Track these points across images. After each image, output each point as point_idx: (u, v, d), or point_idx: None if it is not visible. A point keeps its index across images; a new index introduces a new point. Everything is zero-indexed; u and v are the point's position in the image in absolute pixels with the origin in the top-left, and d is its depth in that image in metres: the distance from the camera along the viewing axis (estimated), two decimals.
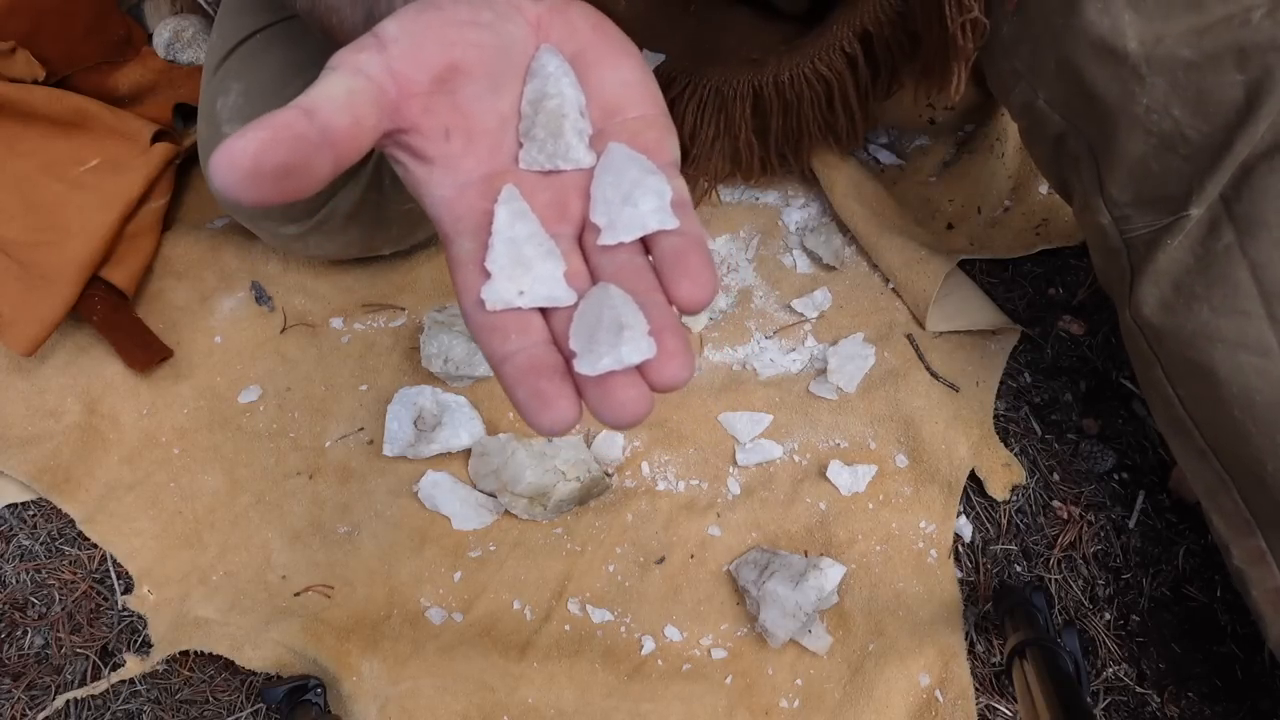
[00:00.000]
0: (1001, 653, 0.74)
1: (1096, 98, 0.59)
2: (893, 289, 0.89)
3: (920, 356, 0.86)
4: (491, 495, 0.82)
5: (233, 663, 0.76)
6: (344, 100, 0.31)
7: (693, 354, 0.32)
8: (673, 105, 0.84)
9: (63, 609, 0.81)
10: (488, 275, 0.34)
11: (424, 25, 0.34)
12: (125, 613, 0.81)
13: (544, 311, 0.35)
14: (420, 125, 0.34)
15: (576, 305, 0.34)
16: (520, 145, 0.37)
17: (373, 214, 0.83)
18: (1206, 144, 0.56)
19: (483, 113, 0.36)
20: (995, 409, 0.84)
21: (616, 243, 0.35)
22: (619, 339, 0.31)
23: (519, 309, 0.34)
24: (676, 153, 0.38)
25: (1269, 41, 0.52)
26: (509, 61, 0.36)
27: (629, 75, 0.38)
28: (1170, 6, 0.55)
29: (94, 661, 0.79)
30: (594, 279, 0.36)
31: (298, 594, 0.79)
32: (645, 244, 0.36)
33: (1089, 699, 0.71)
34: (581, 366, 0.32)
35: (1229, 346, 0.57)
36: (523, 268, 0.34)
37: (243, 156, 0.28)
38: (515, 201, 0.35)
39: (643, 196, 0.35)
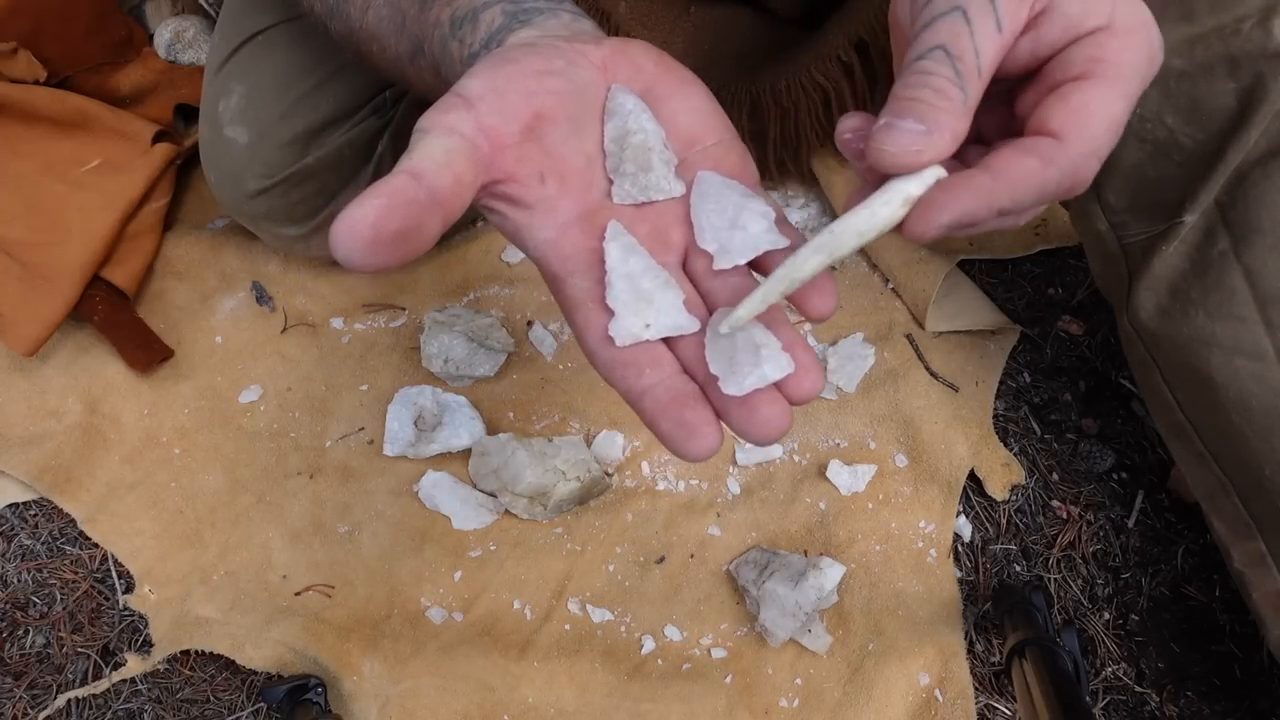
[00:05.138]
0: (1001, 652, 0.74)
1: None
2: (892, 289, 0.90)
3: (920, 356, 0.86)
4: (491, 495, 0.82)
5: (233, 662, 0.77)
6: (444, 160, 0.32)
7: (821, 365, 0.34)
8: None
9: (64, 608, 0.81)
10: (610, 313, 0.35)
11: (505, 79, 0.35)
12: (126, 612, 0.81)
13: (667, 341, 0.36)
14: (516, 174, 0.35)
15: (701, 332, 0.35)
16: (610, 182, 0.38)
17: None
18: (1200, 151, 0.56)
19: (571, 154, 0.37)
20: (995, 409, 0.84)
21: (731, 266, 0.36)
22: (759, 357, 0.33)
23: (647, 342, 0.35)
24: (756, 173, 0.39)
25: (1260, 50, 0.52)
26: (586, 104, 0.38)
27: (699, 104, 0.39)
28: (1162, 17, 0.55)
29: (95, 661, 0.79)
30: (708, 304, 0.37)
31: (298, 593, 0.79)
32: (753, 266, 0.37)
33: (1088, 698, 0.72)
34: (728, 388, 0.33)
35: (1225, 352, 0.58)
36: (644, 301, 0.35)
37: (363, 225, 0.29)
38: (623, 237, 0.36)
39: (750, 220, 0.36)
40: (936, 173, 0.33)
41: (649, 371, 0.34)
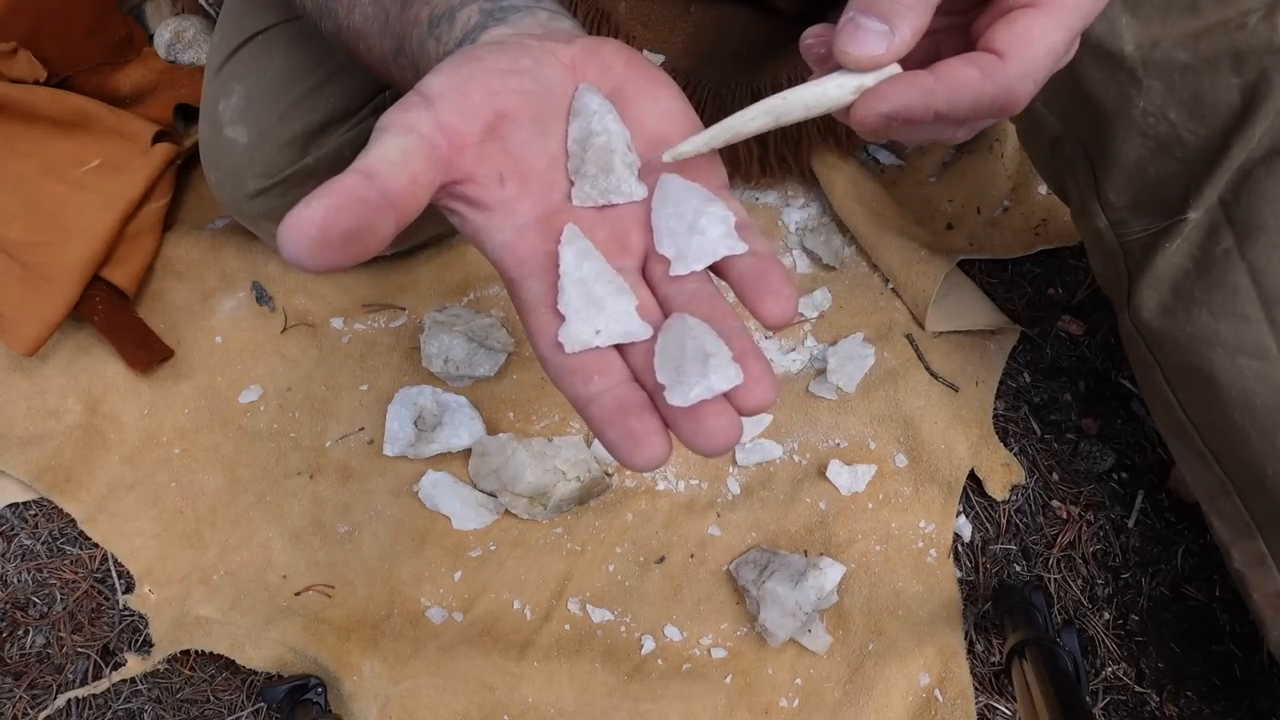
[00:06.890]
0: (1001, 652, 0.74)
1: (1093, 100, 0.60)
2: (892, 289, 0.90)
3: (920, 356, 0.86)
4: (491, 495, 0.82)
5: (233, 662, 0.77)
6: (400, 160, 0.31)
7: (775, 376, 0.33)
8: None
9: (64, 608, 0.82)
10: (561, 318, 0.34)
11: (467, 78, 0.35)
12: (126, 612, 0.81)
13: (619, 348, 0.35)
14: (475, 174, 0.35)
15: (653, 339, 0.34)
16: (571, 183, 0.37)
17: None
18: (1203, 147, 0.56)
19: (533, 155, 0.37)
20: (995, 409, 0.84)
21: (688, 272, 0.36)
22: (706, 368, 0.32)
23: (597, 348, 0.34)
24: (724, 176, 0.39)
25: (1265, 45, 0.52)
26: (551, 104, 0.37)
27: (667, 105, 0.39)
28: (1167, 10, 0.55)
29: (95, 661, 0.79)
30: (664, 310, 0.36)
31: (298, 593, 0.79)
32: (714, 270, 0.36)
33: (1088, 698, 0.71)
34: (673, 398, 0.32)
35: (1228, 350, 0.58)
36: (595, 307, 0.34)
37: (309, 225, 0.29)
38: (579, 240, 0.36)
39: (709, 224, 0.36)
40: (892, 69, 0.36)
41: (597, 378, 0.34)
